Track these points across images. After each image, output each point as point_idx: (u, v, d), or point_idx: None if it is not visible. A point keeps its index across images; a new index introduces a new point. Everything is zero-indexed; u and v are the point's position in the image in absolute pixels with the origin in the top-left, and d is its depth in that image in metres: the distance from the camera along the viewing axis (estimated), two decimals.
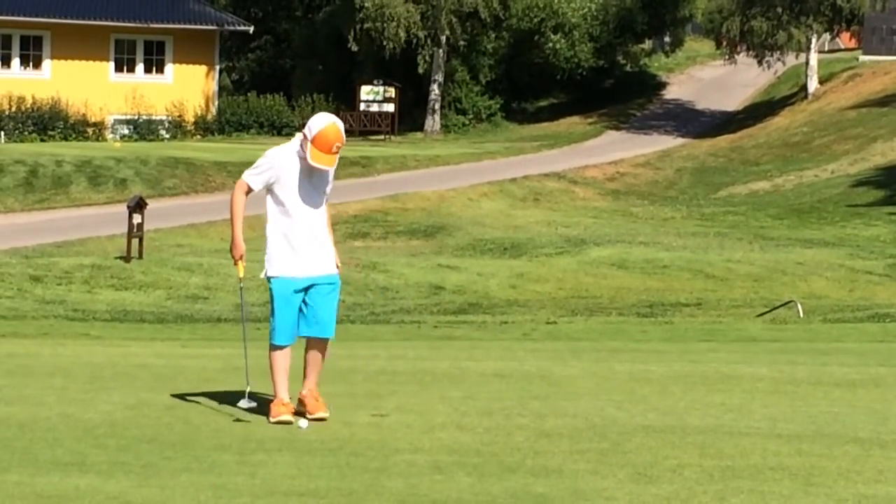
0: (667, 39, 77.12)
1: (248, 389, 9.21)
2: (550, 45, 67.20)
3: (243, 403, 9.11)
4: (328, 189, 9.03)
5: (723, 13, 64.76)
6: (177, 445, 8.14)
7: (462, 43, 64.14)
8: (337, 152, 8.81)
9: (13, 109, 54.05)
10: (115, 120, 56.23)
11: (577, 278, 29.01)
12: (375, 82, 62.29)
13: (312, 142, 8.73)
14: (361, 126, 60.42)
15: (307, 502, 6.87)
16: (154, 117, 56.37)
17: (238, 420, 8.89)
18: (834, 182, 47.02)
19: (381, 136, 60.32)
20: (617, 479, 7.46)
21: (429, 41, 63.23)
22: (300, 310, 8.94)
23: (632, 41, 72.05)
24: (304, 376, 9.03)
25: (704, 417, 9.48)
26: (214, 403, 9.55)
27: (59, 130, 53.86)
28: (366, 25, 61.62)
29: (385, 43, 61.45)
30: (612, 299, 26.31)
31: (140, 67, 57.67)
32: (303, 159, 8.84)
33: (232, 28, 60.82)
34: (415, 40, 62.30)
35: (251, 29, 61.01)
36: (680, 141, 60.52)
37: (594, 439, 8.55)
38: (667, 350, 14.95)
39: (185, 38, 57.91)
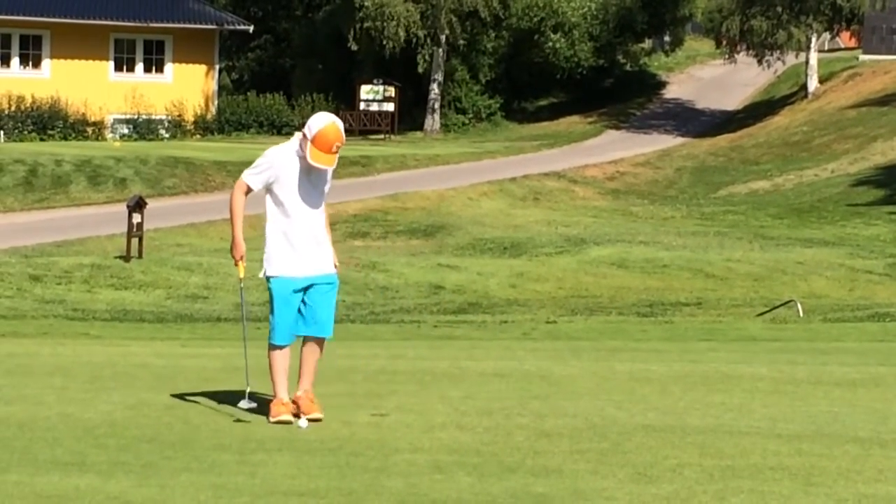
0: (667, 39, 77.13)
1: (248, 390, 9.21)
2: (550, 44, 67.21)
3: (243, 404, 9.11)
4: (326, 188, 9.03)
5: (723, 12, 64.77)
6: (177, 445, 8.13)
7: (462, 42, 64.14)
8: (336, 152, 8.82)
9: (13, 109, 54.04)
10: (114, 119, 56.22)
11: (576, 278, 29.01)
12: (375, 81, 62.30)
13: (312, 141, 8.73)
14: (361, 125, 60.42)
15: (307, 502, 6.87)
16: (154, 117, 56.36)
17: (238, 420, 8.89)
18: (834, 181, 47.02)
19: (381, 136, 60.33)
20: (617, 479, 7.46)
21: (428, 40, 63.23)
22: (298, 310, 8.94)
23: (632, 40, 72.07)
24: (300, 377, 9.02)
25: (704, 417, 9.48)
26: (214, 403, 9.55)
27: (59, 130, 53.85)
28: (365, 25, 61.62)
29: (385, 42, 61.45)
30: (611, 299, 26.31)
31: (140, 67, 57.66)
32: (302, 159, 8.84)
33: (232, 27, 60.82)
34: (414, 39, 62.30)
35: (251, 28, 61.01)
36: (680, 140, 60.52)
37: (594, 439, 8.55)
38: (667, 350, 14.95)
39: (185, 37, 57.90)
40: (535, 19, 67.22)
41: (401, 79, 62.40)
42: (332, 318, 9.04)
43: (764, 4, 62.08)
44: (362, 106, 61.75)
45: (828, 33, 72.26)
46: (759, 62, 64.55)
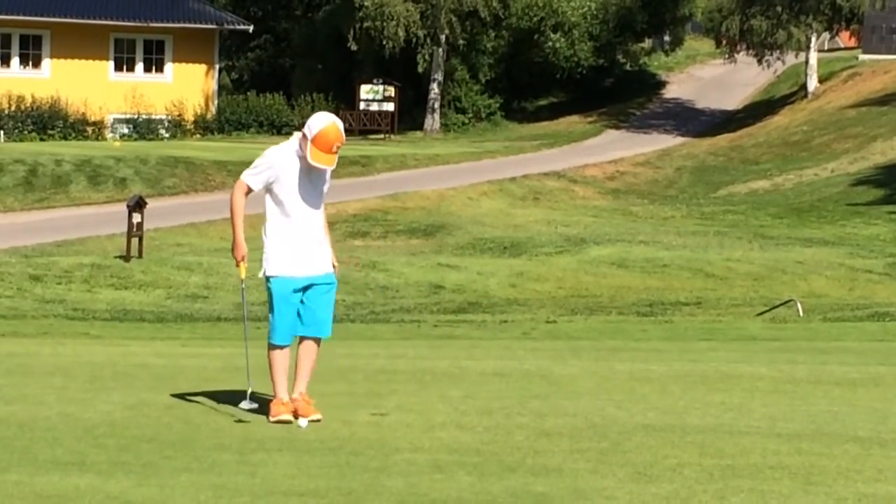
0: (666, 38, 77.13)
1: (249, 391, 9.20)
2: (550, 44, 67.20)
3: (245, 405, 9.11)
4: (326, 188, 9.04)
5: (722, 12, 64.77)
6: (177, 445, 8.14)
7: (462, 42, 64.14)
8: (337, 152, 8.82)
9: (13, 109, 54.02)
10: (114, 119, 56.21)
11: (576, 277, 29.01)
12: (375, 81, 62.30)
13: (313, 141, 8.73)
14: (361, 125, 60.42)
15: (307, 502, 6.87)
16: (154, 116, 56.35)
17: (240, 421, 8.88)
18: (834, 181, 47.02)
19: (381, 136, 60.32)
20: (617, 479, 7.46)
21: (428, 40, 63.23)
22: (297, 310, 8.95)
23: (631, 40, 72.07)
24: (296, 379, 9.02)
25: (704, 416, 9.48)
26: (214, 403, 9.55)
27: (59, 130, 53.84)
28: (365, 24, 61.62)
29: (385, 42, 61.45)
30: (611, 298, 26.31)
31: (140, 66, 57.65)
32: (302, 159, 8.84)
33: (231, 27, 60.82)
34: (414, 39, 62.30)
35: (251, 28, 61.00)
36: (680, 140, 60.52)
37: (594, 438, 8.55)
38: (666, 349, 14.96)
39: (185, 37, 57.90)
40: (535, 19, 67.22)
41: (401, 78, 62.40)
42: (330, 319, 9.05)
43: (764, 4, 62.08)
44: (362, 106, 61.75)
45: (827, 33, 72.27)
46: (759, 62, 64.55)
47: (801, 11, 61.95)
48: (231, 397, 9.65)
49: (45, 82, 55.26)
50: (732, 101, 70.39)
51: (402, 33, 61.54)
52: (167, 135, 56.14)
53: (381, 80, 62.20)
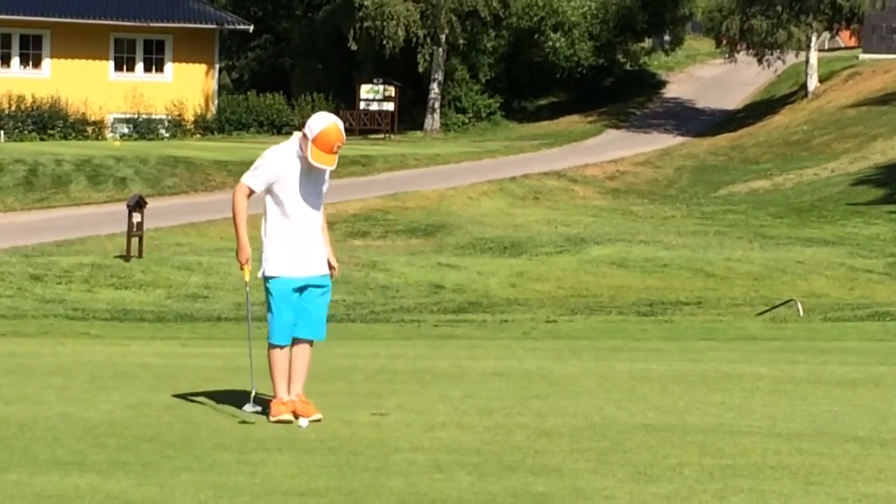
0: (667, 38, 77.13)
1: (253, 394, 9.19)
2: (550, 43, 67.20)
3: (248, 408, 9.10)
4: (325, 189, 9.04)
5: (723, 12, 64.77)
6: (177, 444, 8.14)
7: (462, 41, 64.13)
8: (337, 152, 8.83)
9: (13, 108, 54.02)
10: (114, 119, 56.21)
11: (576, 277, 29.01)
12: (375, 81, 62.29)
13: (313, 141, 8.74)
14: (361, 125, 60.41)
15: (307, 501, 6.87)
16: (154, 116, 56.35)
17: (244, 422, 8.87)
18: (834, 181, 47.02)
19: (381, 135, 60.32)
20: (617, 478, 7.46)
21: (428, 40, 63.23)
22: None
23: (632, 40, 72.07)
24: (290, 380, 9.02)
25: (704, 416, 9.48)
26: (215, 403, 9.55)
27: (59, 129, 53.84)
28: (365, 24, 61.62)
29: (385, 42, 61.45)
30: (612, 298, 26.31)
31: (140, 66, 57.65)
32: (302, 159, 8.84)
33: (232, 27, 60.81)
34: (414, 39, 62.30)
35: (251, 28, 60.99)
36: (680, 139, 60.52)
37: (594, 438, 8.55)
38: (667, 349, 14.96)
39: (185, 36, 57.90)
40: (535, 18, 67.22)
41: (401, 78, 62.40)
42: (324, 321, 9.09)
43: (764, 4, 62.08)
44: (362, 105, 61.75)
45: (828, 32, 72.27)
46: (759, 61, 64.54)
47: (801, 11, 61.95)
48: (231, 397, 9.65)
49: (46, 82, 55.26)
50: (733, 100, 70.40)
51: (402, 33, 61.54)
52: (167, 134, 56.13)
53: (381, 80, 62.19)
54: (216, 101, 59.25)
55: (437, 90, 64.23)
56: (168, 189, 40.83)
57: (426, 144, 57.94)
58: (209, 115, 58.62)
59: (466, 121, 66.34)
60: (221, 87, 62.11)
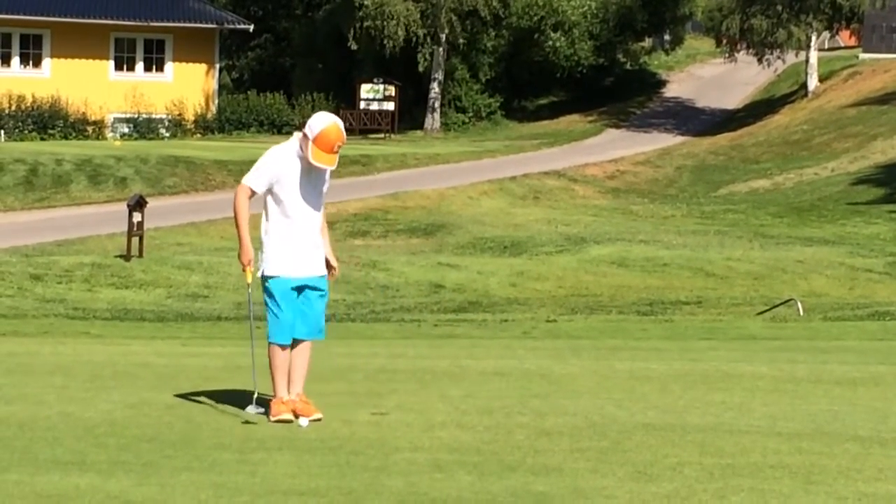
0: (667, 37, 77.12)
1: (255, 395, 9.19)
2: (550, 43, 67.20)
3: (251, 409, 9.10)
4: (325, 189, 9.05)
5: (723, 11, 64.76)
6: (177, 444, 8.14)
7: (462, 41, 64.12)
8: (338, 151, 8.84)
9: (13, 108, 54.01)
10: (115, 118, 56.21)
11: (577, 276, 29.01)
12: (375, 80, 62.29)
13: (314, 141, 8.75)
14: (361, 124, 60.41)
15: (307, 501, 6.87)
16: (154, 116, 56.34)
17: (247, 422, 8.87)
18: (834, 180, 47.01)
19: (381, 135, 60.31)
20: (617, 478, 7.46)
21: (429, 39, 63.23)
22: None
23: (632, 39, 72.06)
24: (290, 381, 9.03)
25: (704, 416, 9.49)
26: (215, 402, 9.56)
27: (59, 129, 53.83)
28: (366, 24, 61.61)
29: (385, 41, 61.45)
30: (612, 297, 26.31)
31: (140, 66, 57.65)
32: (302, 159, 8.85)
33: (232, 26, 60.81)
34: (415, 38, 62.30)
35: (251, 27, 60.99)
36: (680, 139, 60.51)
37: (594, 437, 8.56)
38: (667, 348, 14.96)
39: (185, 36, 57.89)
40: (535, 18, 67.22)
41: (401, 78, 62.40)
42: (323, 321, 9.12)
43: (764, 3, 62.07)
44: (362, 105, 61.74)
45: (828, 32, 72.25)
46: (759, 61, 64.53)
47: (801, 10, 61.94)
48: (232, 396, 9.65)
49: (46, 82, 55.26)
50: (733, 100, 70.39)
51: (402, 32, 61.54)
52: (167, 134, 56.13)
53: (381, 80, 62.19)
54: (216, 101, 59.25)
55: (437, 90, 64.23)
56: (168, 189, 40.83)
57: (426, 144, 57.94)
58: (209, 115, 58.63)
59: (466, 120, 66.33)
60: (221, 86, 62.10)
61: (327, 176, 9.04)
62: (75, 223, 34.05)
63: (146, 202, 29.26)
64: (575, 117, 67.27)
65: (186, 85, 57.70)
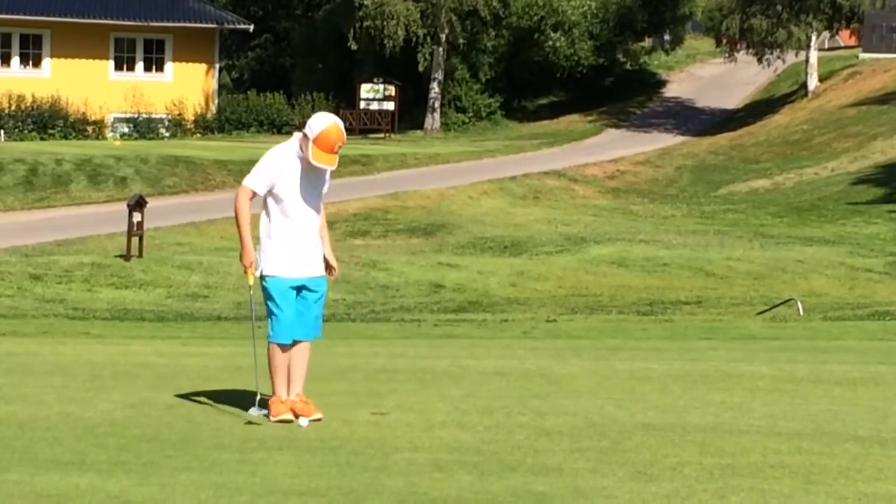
0: (667, 37, 77.12)
1: (258, 397, 9.19)
2: (550, 43, 67.20)
3: (254, 411, 9.09)
4: (325, 189, 9.06)
5: (723, 11, 64.77)
6: (177, 444, 8.14)
7: (462, 41, 64.13)
8: (338, 151, 8.85)
9: (13, 108, 54.02)
10: (114, 118, 56.21)
11: (577, 276, 29.01)
12: (375, 80, 62.28)
13: (314, 141, 8.75)
14: (361, 124, 60.40)
15: (307, 501, 6.87)
16: (154, 116, 56.35)
17: (249, 423, 8.86)
18: (834, 180, 47.02)
19: (381, 135, 60.31)
20: (617, 478, 7.46)
21: (429, 39, 63.23)
22: None
23: (632, 39, 72.07)
24: (290, 381, 9.03)
25: (704, 415, 9.49)
26: (215, 402, 9.55)
27: (59, 129, 53.84)
28: (366, 24, 61.62)
29: (385, 41, 61.45)
30: (612, 297, 26.31)
31: (140, 66, 57.65)
32: (302, 159, 8.86)
33: (232, 26, 60.81)
34: (414, 38, 62.30)
35: (251, 27, 61.00)
36: (680, 139, 60.51)
37: (594, 437, 8.56)
38: (667, 348, 14.96)
39: (185, 36, 57.90)
40: (535, 18, 67.22)
41: (401, 78, 62.40)
42: (321, 320, 9.13)
43: (764, 3, 62.07)
44: (362, 105, 61.74)
45: (828, 32, 72.25)
46: (759, 61, 64.53)
47: (801, 10, 61.95)
48: (232, 396, 9.65)
49: (46, 82, 55.26)
50: (732, 99, 70.39)
51: (402, 32, 61.54)
52: (167, 134, 56.14)
53: (381, 80, 62.19)
54: (216, 101, 59.26)
55: (437, 89, 64.23)
56: (168, 188, 40.83)
57: (426, 144, 57.94)
58: (209, 115, 58.63)
59: (466, 120, 66.34)
60: (221, 86, 62.11)
61: (327, 176, 9.05)
62: (75, 223, 34.05)
63: (146, 202, 29.25)
64: (575, 117, 67.27)
65: (186, 85, 57.71)
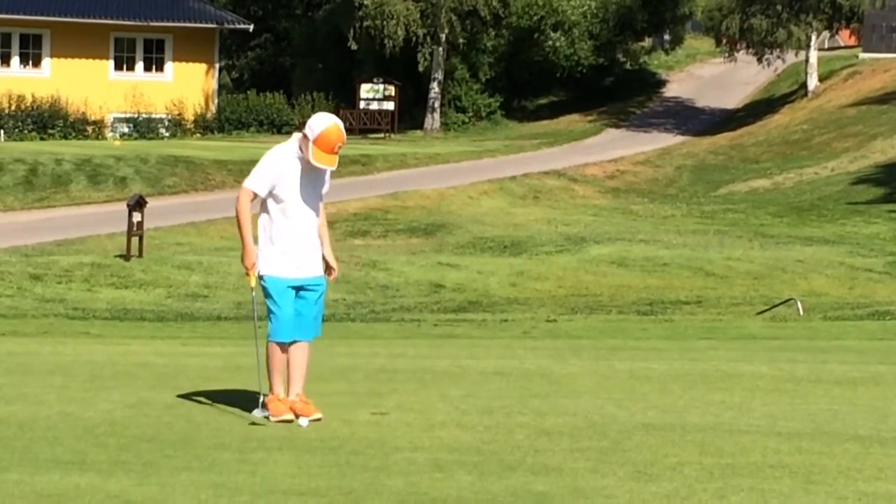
0: (666, 37, 77.12)
1: (262, 399, 9.18)
2: (550, 42, 67.20)
3: (258, 413, 9.08)
4: (325, 190, 9.07)
5: (722, 11, 64.76)
6: (177, 444, 8.14)
7: (462, 41, 64.12)
8: (338, 152, 8.86)
9: (13, 108, 54.01)
10: (114, 118, 56.21)
11: (577, 276, 29.01)
12: (375, 80, 62.28)
13: (315, 142, 8.75)
14: (361, 124, 60.40)
15: (307, 501, 6.87)
16: (154, 115, 56.35)
17: (253, 423, 8.85)
18: (834, 180, 47.02)
19: (381, 135, 60.31)
20: (617, 478, 7.46)
21: (428, 39, 63.23)
22: None
23: (632, 39, 72.06)
24: (289, 381, 9.03)
25: (704, 415, 9.49)
26: (215, 402, 9.55)
27: (59, 129, 53.84)
28: (365, 23, 61.61)
29: (385, 41, 61.45)
30: (612, 297, 26.31)
31: (140, 66, 57.65)
32: (302, 160, 8.86)
33: (232, 26, 60.81)
34: (414, 38, 62.30)
35: (251, 27, 60.99)
36: (680, 139, 60.51)
37: (594, 437, 8.56)
38: (667, 348, 14.96)
39: (185, 36, 57.90)
40: (535, 18, 67.21)
41: (401, 77, 62.40)
42: (320, 320, 9.13)
43: (764, 3, 62.07)
44: (362, 105, 61.73)
45: (827, 32, 72.25)
46: (759, 60, 64.52)
47: (801, 10, 61.95)
48: (232, 396, 9.66)
49: (46, 81, 55.26)
50: (732, 99, 70.39)
51: (402, 32, 61.53)
52: (167, 134, 56.14)
53: (381, 79, 62.18)
54: (216, 101, 59.26)
55: (437, 89, 64.23)
56: (168, 188, 40.83)
57: (426, 144, 57.94)
58: (209, 115, 58.63)
59: (466, 120, 66.33)
60: (221, 86, 62.11)
61: (327, 177, 9.06)
62: (75, 223, 34.05)
63: (146, 202, 29.25)
64: (575, 117, 67.27)
65: (186, 85, 57.71)
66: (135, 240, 28.31)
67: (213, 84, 59.18)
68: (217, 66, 59.95)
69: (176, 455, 7.82)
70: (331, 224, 9.35)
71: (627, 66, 73.87)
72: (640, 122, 66.11)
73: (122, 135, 55.24)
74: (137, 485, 7.10)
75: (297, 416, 8.87)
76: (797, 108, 62.60)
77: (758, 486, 7.31)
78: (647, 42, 76.18)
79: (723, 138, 59.52)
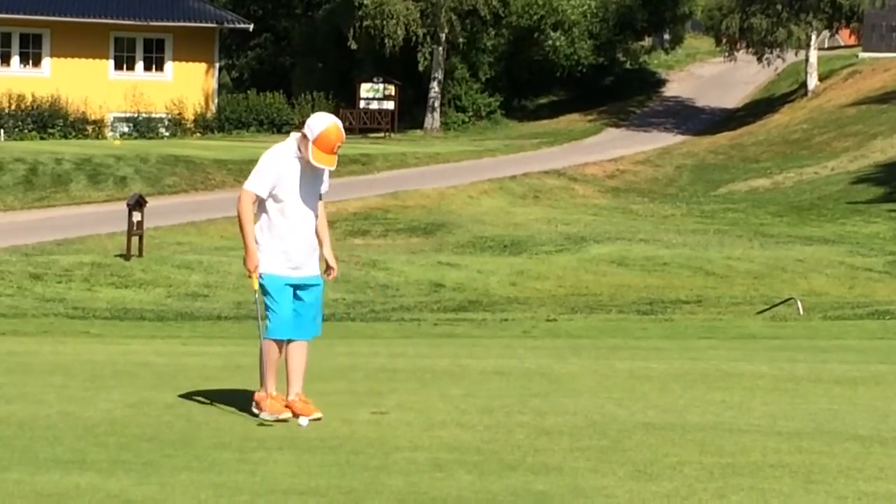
0: (666, 37, 77.12)
1: (254, 400, 9.18)
2: (550, 42, 67.19)
3: (264, 414, 9.08)
4: (324, 190, 9.07)
5: (722, 10, 64.75)
6: (177, 443, 8.14)
7: (462, 40, 64.12)
8: (337, 152, 8.86)
9: (13, 107, 54.00)
10: (114, 118, 56.20)
11: (577, 276, 29.01)
12: (375, 80, 62.27)
13: (314, 142, 8.76)
14: (361, 124, 60.39)
15: (307, 500, 6.87)
16: (154, 115, 56.34)
17: (262, 424, 8.84)
18: (834, 179, 47.01)
19: (381, 134, 60.30)
20: (617, 477, 7.46)
21: (428, 39, 63.23)
22: None
23: (632, 38, 72.05)
24: (288, 381, 9.03)
25: (704, 415, 9.49)
26: (215, 401, 9.55)
27: (59, 128, 53.83)
28: (365, 23, 61.60)
29: (385, 40, 61.44)
30: (612, 297, 26.31)
31: (140, 65, 57.64)
32: (301, 160, 8.86)
33: (232, 26, 60.80)
34: (414, 38, 62.29)
35: (251, 27, 60.98)
36: (680, 138, 60.50)
37: (594, 437, 8.56)
38: (667, 347, 14.96)
39: (185, 35, 57.89)
40: (535, 17, 67.20)
41: (401, 77, 62.39)
42: (319, 320, 9.13)
43: (764, 2, 62.06)
44: (362, 104, 61.72)
45: (827, 31, 72.23)
46: (759, 60, 64.51)
47: (801, 9, 61.94)
48: (232, 396, 9.65)
49: (46, 81, 55.25)
50: (732, 99, 70.38)
51: (401, 32, 61.52)
52: (167, 133, 56.13)
53: (381, 79, 62.17)
54: (216, 100, 59.25)
55: (437, 89, 64.22)
56: (168, 188, 40.83)
57: (426, 143, 57.94)
58: (209, 114, 58.62)
59: (466, 119, 66.33)
60: (221, 85, 62.10)
61: (326, 177, 9.06)
62: (75, 222, 34.05)
63: (146, 201, 29.25)
64: (575, 116, 67.26)
65: (186, 84, 57.71)
66: (135, 239, 28.31)
67: (213, 84, 59.17)
68: (217, 65, 59.95)
69: (176, 454, 7.82)
70: (331, 223, 9.35)
71: (627, 65, 73.86)
72: (640, 121, 66.10)
73: (122, 134, 55.23)
74: (137, 484, 7.10)
75: (297, 416, 8.87)
76: (797, 108, 62.60)
77: (758, 485, 7.31)
78: (647, 41, 76.18)
79: (723, 138, 59.51)
